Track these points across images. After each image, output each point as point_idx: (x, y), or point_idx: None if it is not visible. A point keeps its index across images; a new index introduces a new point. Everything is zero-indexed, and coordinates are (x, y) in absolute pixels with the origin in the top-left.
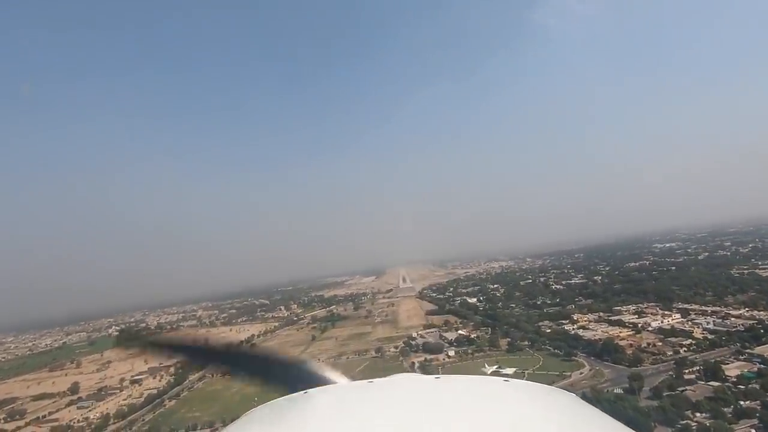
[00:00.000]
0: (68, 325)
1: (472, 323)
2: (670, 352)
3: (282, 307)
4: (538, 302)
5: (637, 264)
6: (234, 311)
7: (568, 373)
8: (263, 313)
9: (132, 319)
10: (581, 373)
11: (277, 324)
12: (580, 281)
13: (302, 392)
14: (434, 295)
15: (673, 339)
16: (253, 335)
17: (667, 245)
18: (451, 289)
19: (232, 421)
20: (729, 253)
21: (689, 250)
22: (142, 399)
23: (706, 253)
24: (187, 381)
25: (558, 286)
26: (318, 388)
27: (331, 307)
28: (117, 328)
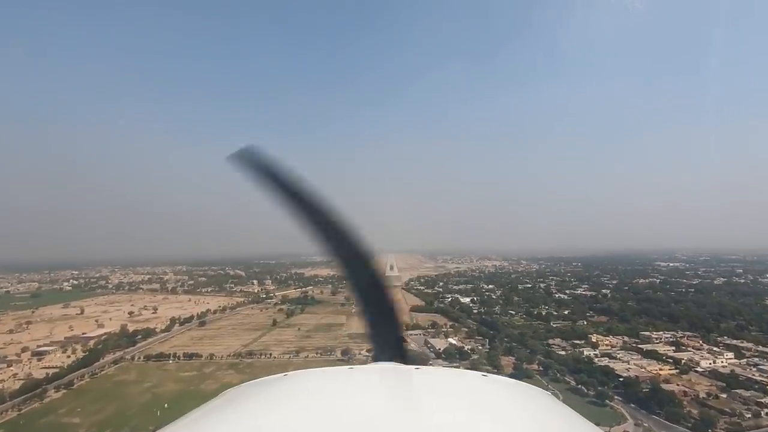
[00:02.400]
0: (27, 272)
1: (465, 329)
2: (749, 414)
3: (255, 282)
4: (543, 312)
5: (647, 281)
6: (204, 279)
7: (607, 429)
8: (233, 285)
9: (98, 275)
10: None
11: (242, 299)
12: (587, 293)
13: (281, 374)
14: (421, 288)
15: (742, 392)
16: (207, 310)
17: (672, 264)
18: (441, 283)
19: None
20: (749, 282)
21: (699, 273)
22: (23, 381)
23: (722, 279)
24: (98, 363)
25: (562, 296)
26: (297, 371)
27: (307, 288)
28: (74, 282)
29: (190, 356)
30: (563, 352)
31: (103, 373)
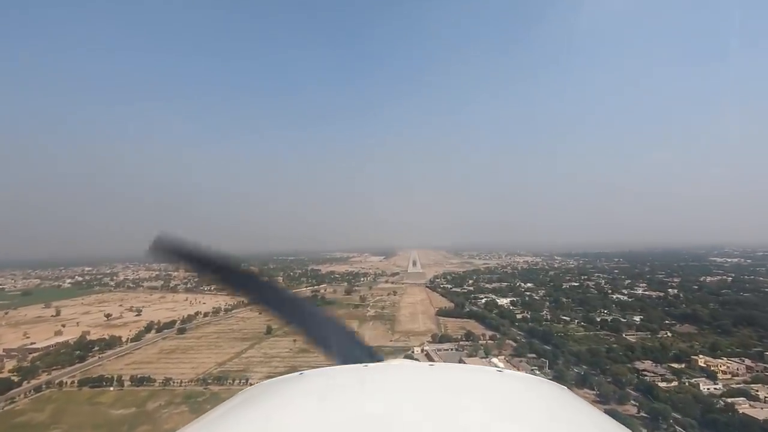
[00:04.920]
0: (42, 269)
1: (511, 343)
2: None
3: None
4: (608, 319)
5: (715, 279)
6: None
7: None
8: None
9: (109, 271)
10: None
11: (244, 299)
12: (650, 293)
13: (297, 373)
14: (449, 286)
15: None
16: (197, 312)
17: (729, 260)
18: (471, 281)
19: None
20: None
21: None
22: None
23: None
24: (15, 390)
25: (620, 297)
26: (312, 369)
27: (320, 287)
28: (79, 278)
29: (140, 381)
30: (665, 384)
31: (7, 408)
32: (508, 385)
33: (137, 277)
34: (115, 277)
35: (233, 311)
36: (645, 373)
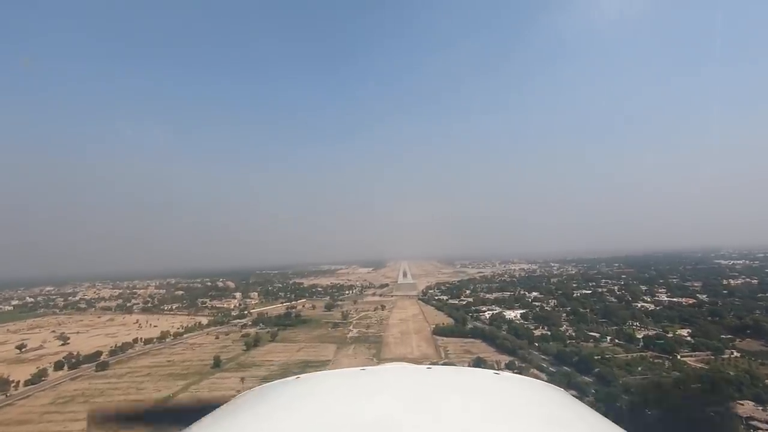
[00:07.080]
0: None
1: (537, 373)
2: None
3: (238, 295)
4: (650, 334)
5: (739, 282)
6: (180, 293)
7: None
8: (208, 300)
9: (69, 291)
10: None
11: (203, 321)
12: (679, 299)
13: (294, 377)
14: (444, 298)
15: None
16: (137, 339)
17: (738, 261)
18: (468, 291)
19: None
20: None
21: None
22: None
23: None
24: None
25: (645, 305)
26: (311, 373)
27: (298, 302)
28: (30, 300)
29: None
30: None
31: None
32: (505, 387)
33: (97, 296)
34: (70, 298)
35: (184, 336)
36: (754, 423)
